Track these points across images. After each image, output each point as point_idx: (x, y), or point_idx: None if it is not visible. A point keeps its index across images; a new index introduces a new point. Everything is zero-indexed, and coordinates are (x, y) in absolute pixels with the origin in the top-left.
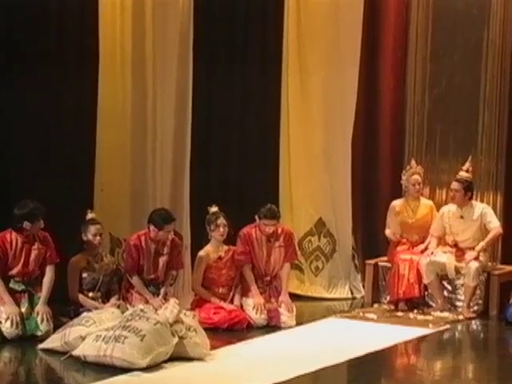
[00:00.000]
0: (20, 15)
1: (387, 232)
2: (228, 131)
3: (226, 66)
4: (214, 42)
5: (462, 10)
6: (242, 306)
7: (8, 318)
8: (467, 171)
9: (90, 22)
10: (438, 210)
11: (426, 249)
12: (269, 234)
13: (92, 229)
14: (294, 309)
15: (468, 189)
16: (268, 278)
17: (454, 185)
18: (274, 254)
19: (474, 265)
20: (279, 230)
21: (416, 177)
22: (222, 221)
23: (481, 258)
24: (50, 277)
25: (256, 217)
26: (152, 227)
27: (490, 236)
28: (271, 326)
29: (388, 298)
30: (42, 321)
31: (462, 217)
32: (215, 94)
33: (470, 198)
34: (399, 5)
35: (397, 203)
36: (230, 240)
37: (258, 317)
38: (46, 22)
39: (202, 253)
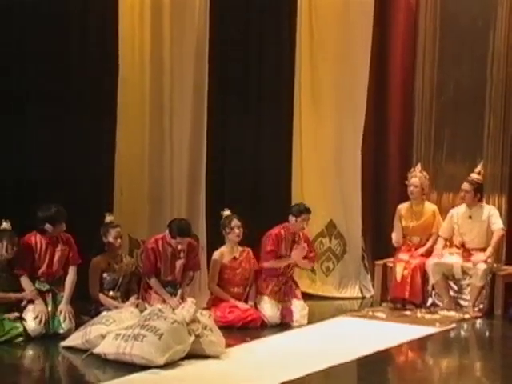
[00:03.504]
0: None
1: (393, 236)
2: (242, 137)
3: (241, 76)
4: (229, 54)
5: (469, 20)
6: (255, 305)
7: (37, 317)
8: (479, 173)
9: (109, 40)
10: (445, 214)
11: (426, 251)
12: (303, 229)
13: (112, 232)
14: (307, 308)
15: (478, 190)
16: (285, 278)
17: (465, 186)
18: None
19: (483, 266)
20: (300, 233)
21: (414, 180)
22: (236, 223)
23: (488, 260)
24: (72, 277)
25: (290, 216)
26: (167, 231)
27: (494, 240)
28: (284, 323)
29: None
30: (65, 319)
31: (470, 217)
32: (230, 102)
33: (480, 200)
34: (408, 15)
35: (402, 207)
36: (244, 241)
37: (272, 315)
38: (67, 61)
39: (217, 254)
